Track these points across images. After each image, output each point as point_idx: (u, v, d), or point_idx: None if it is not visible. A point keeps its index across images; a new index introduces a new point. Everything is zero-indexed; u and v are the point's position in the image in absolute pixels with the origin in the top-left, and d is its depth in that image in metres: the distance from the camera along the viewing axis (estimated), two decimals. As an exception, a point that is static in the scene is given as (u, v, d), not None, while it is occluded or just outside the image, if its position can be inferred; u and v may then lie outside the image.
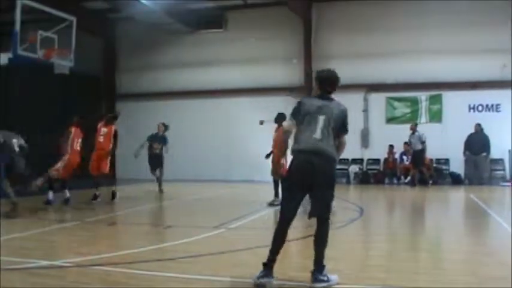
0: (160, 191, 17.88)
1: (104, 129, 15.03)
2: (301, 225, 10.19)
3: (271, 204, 13.52)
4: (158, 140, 18.31)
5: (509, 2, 20.64)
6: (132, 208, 13.74)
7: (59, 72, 16.57)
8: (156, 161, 18.30)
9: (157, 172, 18.32)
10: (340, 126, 6.11)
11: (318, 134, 5.91)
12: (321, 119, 5.99)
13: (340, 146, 6.21)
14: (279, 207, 13.17)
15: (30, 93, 21.01)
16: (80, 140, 14.46)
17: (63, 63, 16.45)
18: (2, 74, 17.27)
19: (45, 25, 16.14)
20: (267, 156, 14.47)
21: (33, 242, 8.74)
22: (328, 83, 6.37)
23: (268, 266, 5.92)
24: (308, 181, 5.88)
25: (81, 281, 6.12)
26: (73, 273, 6.52)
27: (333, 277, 5.87)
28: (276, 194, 13.65)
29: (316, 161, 5.85)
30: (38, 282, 6.05)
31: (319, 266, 5.91)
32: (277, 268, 5.97)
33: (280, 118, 13.87)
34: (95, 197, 14.38)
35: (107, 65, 26.97)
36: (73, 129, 14.36)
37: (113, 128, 15.04)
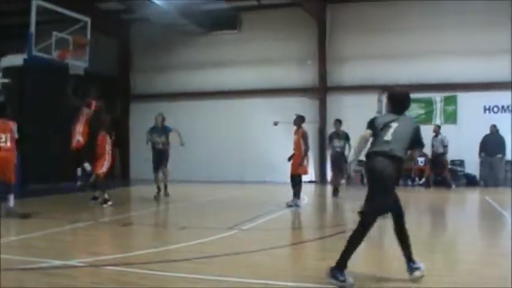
0: (166, 194, 16.27)
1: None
2: (312, 227, 10.15)
3: (290, 205, 13.56)
4: (159, 132, 16.57)
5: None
6: (146, 209, 13.75)
7: (74, 72, 16.60)
8: (159, 158, 16.39)
9: (160, 174, 16.53)
10: (413, 140, 6.26)
11: (388, 137, 6.13)
12: (394, 126, 6.19)
13: (410, 158, 6.58)
14: (294, 208, 13.25)
15: (44, 94, 21.09)
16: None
17: (78, 64, 16.49)
18: (16, 75, 17.32)
19: (60, 26, 16.19)
20: (289, 158, 14.36)
21: (46, 241, 8.76)
22: (399, 102, 6.56)
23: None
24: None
25: (94, 281, 6.12)
26: (86, 273, 6.52)
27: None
28: (295, 195, 13.76)
29: (378, 161, 6.12)
30: (52, 282, 6.05)
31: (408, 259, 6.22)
32: (292, 270, 5.93)
33: (299, 120, 14.01)
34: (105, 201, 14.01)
35: (121, 65, 27.04)
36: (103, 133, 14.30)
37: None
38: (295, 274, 6.29)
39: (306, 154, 14.14)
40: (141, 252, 7.71)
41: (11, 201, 11.43)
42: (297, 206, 13.50)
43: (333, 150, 16.99)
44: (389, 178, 6.07)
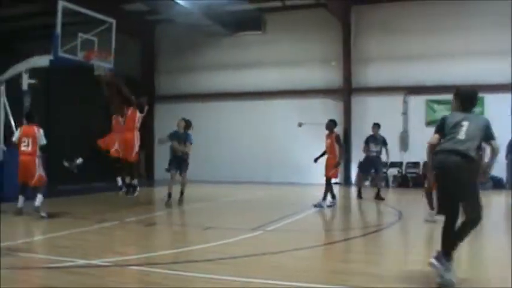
0: (180, 201, 14.38)
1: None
2: (337, 229, 10.09)
3: (316, 205, 13.68)
4: (180, 138, 14.63)
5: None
6: (171, 209, 13.76)
7: (99, 73, 16.72)
8: (178, 164, 14.51)
9: (177, 177, 14.55)
10: (486, 133, 6.29)
11: (461, 136, 6.10)
12: (465, 124, 6.18)
13: (492, 152, 6.45)
14: (319, 209, 13.21)
15: (70, 94, 21.28)
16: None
17: (103, 65, 16.59)
18: (43, 76, 17.49)
19: (85, 27, 16.31)
20: (316, 160, 14.54)
21: (71, 241, 8.81)
22: (468, 100, 6.54)
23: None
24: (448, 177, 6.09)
25: (118, 281, 6.13)
26: (110, 273, 6.54)
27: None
28: (327, 197, 13.93)
29: (452, 159, 6.04)
30: (76, 281, 6.07)
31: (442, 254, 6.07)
32: (316, 272, 5.89)
33: (331, 125, 14.08)
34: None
35: (145, 66, 27.18)
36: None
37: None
38: (319, 276, 6.25)
39: (342, 158, 14.27)
40: (164, 253, 7.73)
41: (38, 200, 11.56)
42: (321, 206, 13.53)
43: (368, 153, 16.76)
44: (467, 177, 6.01)
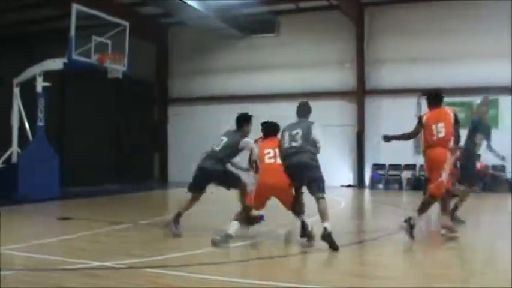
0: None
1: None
2: (351, 231, 10.06)
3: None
4: None
5: None
6: (186, 211, 13.75)
7: (112, 76, 16.81)
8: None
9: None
10: None
11: None
12: None
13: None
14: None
15: (84, 97, 21.41)
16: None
17: (117, 68, 16.68)
18: (57, 78, 17.61)
19: (99, 30, 16.40)
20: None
21: (85, 243, 8.85)
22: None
23: None
24: None
25: (132, 283, 6.14)
26: (124, 275, 6.56)
27: None
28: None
29: None
30: (89, 283, 6.10)
31: None
32: (329, 274, 5.87)
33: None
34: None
35: (159, 69, 27.26)
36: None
37: None
38: (332, 279, 6.23)
39: None
40: (178, 255, 7.74)
41: None
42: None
43: None
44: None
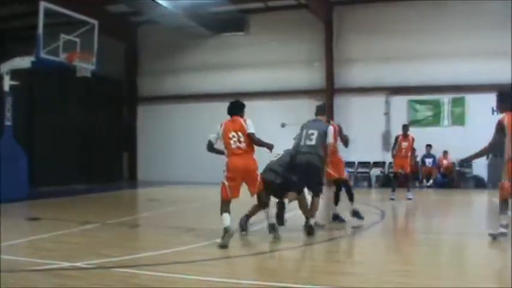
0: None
1: None
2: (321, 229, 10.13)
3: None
4: None
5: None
6: (154, 211, 13.76)
7: (81, 75, 16.68)
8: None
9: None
10: None
11: None
12: None
13: None
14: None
15: (52, 96, 21.20)
16: None
17: (86, 67, 16.55)
18: (25, 77, 17.40)
19: (68, 28, 16.25)
20: None
21: (54, 243, 8.79)
22: None
23: None
24: None
25: (102, 283, 6.12)
26: (94, 275, 6.53)
27: None
28: None
29: None
30: (59, 283, 6.07)
31: None
32: (300, 272, 5.92)
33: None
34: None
35: (128, 68, 27.09)
36: None
37: None
38: (302, 276, 6.29)
39: None
40: (148, 254, 7.73)
41: None
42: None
43: None
44: None
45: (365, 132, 22.15)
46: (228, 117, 9.15)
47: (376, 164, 22.96)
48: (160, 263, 7.13)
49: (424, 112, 22.68)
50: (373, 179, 22.98)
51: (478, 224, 12.35)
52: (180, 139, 24.57)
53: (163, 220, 12.62)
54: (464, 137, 21.32)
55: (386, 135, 22.84)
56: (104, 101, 24.80)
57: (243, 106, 9.30)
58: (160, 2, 20.61)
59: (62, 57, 15.82)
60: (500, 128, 8.80)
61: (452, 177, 21.39)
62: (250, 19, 24.97)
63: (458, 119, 22.20)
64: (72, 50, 16.16)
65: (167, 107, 25.78)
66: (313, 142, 9.25)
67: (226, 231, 8.26)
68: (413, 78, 22.27)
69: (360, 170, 23.21)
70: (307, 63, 24.05)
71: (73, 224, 10.78)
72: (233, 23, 24.78)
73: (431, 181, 21.47)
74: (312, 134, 9.36)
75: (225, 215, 8.53)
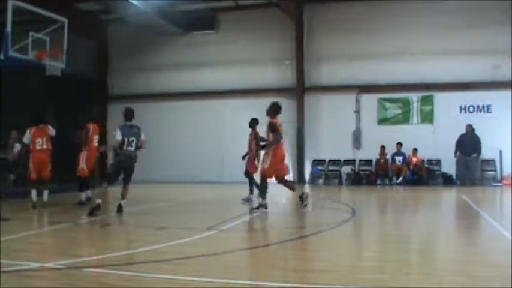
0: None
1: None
2: (291, 227, 10.18)
3: (245, 200, 15.12)
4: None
5: (500, 2, 20.65)
6: (126, 209, 13.66)
7: (51, 73, 16.52)
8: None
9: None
10: None
11: None
12: None
13: None
14: (265, 210, 13.20)
15: (22, 95, 20.92)
16: (97, 137, 15.22)
17: (55, 65, 16.41)
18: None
19: (37, 26, 16.10)
20: (243, 157, 16.09)
21: (24, 244, 8.71)
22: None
23: None
24: None
25: (73, 284, 6.08)
26: (65, 276, 6.48)
27: None
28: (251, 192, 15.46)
29: None
30: (30, 284, 6.02)
31: None
32: (271, 270, 5.95)
33: (253, 122, 16.14)
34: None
35: (99, 66, 26.88)
36: (91, 126, 15.02)
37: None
38: (274, 274, 6.32)
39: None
40: (120, 254, 7.69)
41: (45, 196, 13.74)
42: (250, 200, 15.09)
43: None
44: None
45: (335, 130, 22.35)
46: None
47: (347, 162, 23.13)
48: (131, 262, 7.12)
49: (394, 110, 22.92)
50: (344, 177, 23.14)
51: (447, 220, 12.52)
52: (151, 137, 24.35)
53: (135, 219, 12.58)
54: (432, 135, 21.62)
55: (356, 133, 23.02)
56: (74, 100, 24.52)
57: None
58: (131, 0, 20.49)
59: (31, 55, 15.67)
60: None
61: (422, 175, 21.65)
62: (220, 17, 24.99)
63: (427, 117, 22.47)
64: (41, 48, 16.01)
65: (138, 106, 25.54)
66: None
67: None
68: (383, 77, 22.50)
69: (330, 167, 23.36)
70: (278, 62, 24.16)
71: (43, 224, 10.70)
72: (204, 22, 24.79)
73: (401, 178, 21.69)
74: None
75: None
